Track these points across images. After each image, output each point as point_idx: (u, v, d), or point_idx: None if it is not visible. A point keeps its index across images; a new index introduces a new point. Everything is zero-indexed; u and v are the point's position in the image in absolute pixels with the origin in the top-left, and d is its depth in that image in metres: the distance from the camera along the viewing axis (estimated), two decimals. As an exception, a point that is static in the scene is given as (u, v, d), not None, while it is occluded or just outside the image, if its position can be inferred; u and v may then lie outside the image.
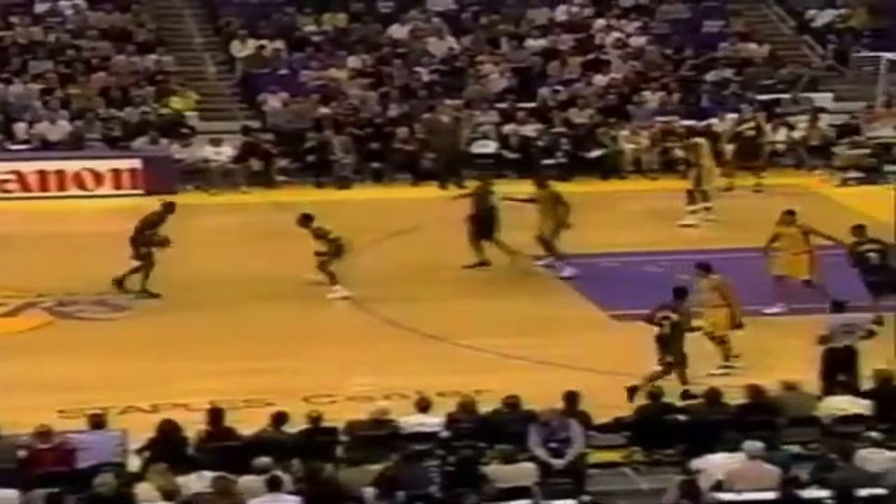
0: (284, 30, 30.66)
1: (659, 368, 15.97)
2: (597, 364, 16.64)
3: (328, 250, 19.71)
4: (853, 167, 26.75)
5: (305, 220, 20.06)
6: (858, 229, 18.99)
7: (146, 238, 19.95)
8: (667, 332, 16.13)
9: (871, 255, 18.55)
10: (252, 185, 26.50)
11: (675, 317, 16.16)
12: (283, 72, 29.58)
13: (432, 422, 14.14)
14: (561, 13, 31.72)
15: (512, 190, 21.96)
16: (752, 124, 26.79)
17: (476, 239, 20.74)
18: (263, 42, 29.95)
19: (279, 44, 30.07)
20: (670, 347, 16.08)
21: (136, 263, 19.87)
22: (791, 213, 19.38)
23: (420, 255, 20.98)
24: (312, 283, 19.60)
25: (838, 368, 15.35)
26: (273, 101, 28.52)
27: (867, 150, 27.26)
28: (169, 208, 20.30)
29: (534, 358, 17.14)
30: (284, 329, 18.50)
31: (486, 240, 20.70)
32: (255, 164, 26.74)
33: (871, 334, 15.90)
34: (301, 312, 19.14)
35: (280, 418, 13.91)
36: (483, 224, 20.75)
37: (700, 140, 24.33)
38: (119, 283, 19.89)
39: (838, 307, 16.19)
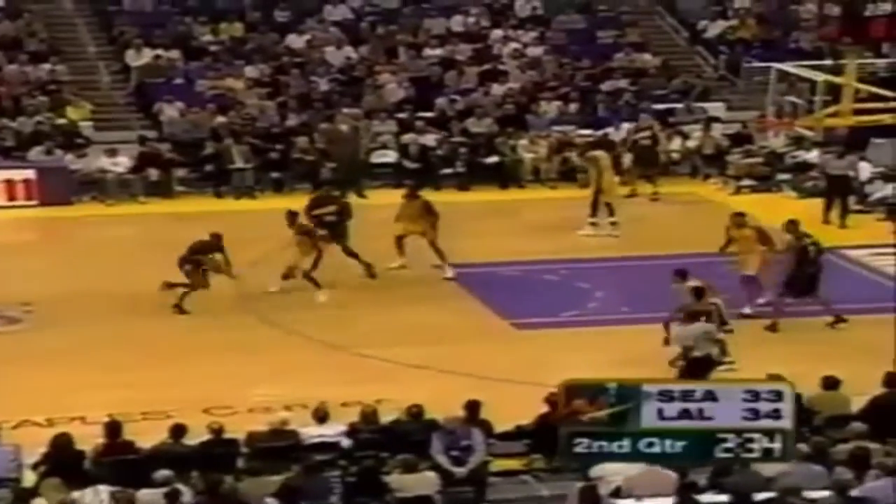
0: (180, 39, 30.38)
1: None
2: (498, 372, 16.64)
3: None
4: (746, 175, 27.13)
5: (292, 216, 20.16)
6: (793, 224, 19.09)
7: (196, 259, 19.49)
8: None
9: (811, 248, 18.74)
10: (150, 195, 26.20)
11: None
12: (179, 81, 29.32)
13: (332, 432, 14.05)
14: (457, 23, 31.80)
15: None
16: (647, 133, 27.02)
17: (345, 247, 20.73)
18: (159, 51, 29.65)
19: (175, 53, 29.80)
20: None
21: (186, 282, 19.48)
22: (741, 215, 19.59)
23: (321, 263, 20.82)
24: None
25: (701, 376, 15.60)
26: (169, 111, 28.23)
27: (760, 159, 27.65)
28: (217, 238, 19.67)
29: (435, 367, 17.09)
30: (184, 340, 18.28)
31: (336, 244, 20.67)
32: (153, 174, 26.44)
33: (721, 345, 16.14)
34: (200, 322, 18.93)
35: (179, 430, 13.74)
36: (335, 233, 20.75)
37: (598, 153, 24.24)
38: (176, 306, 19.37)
39: (692, 317, 16.36)
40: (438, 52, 30.76)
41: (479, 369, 16.77)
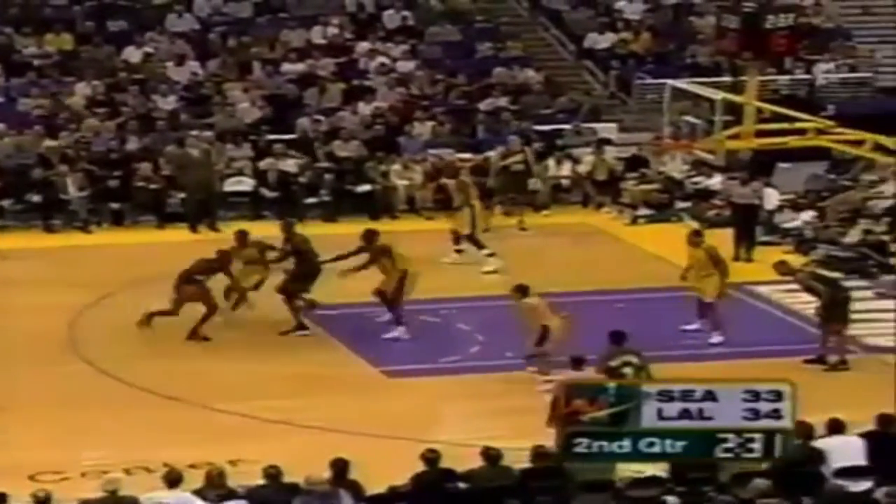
0: (0, 52, 29.82)
1: None
2: (368, 427, 16.58)
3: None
4: (643, 203, 27.35)
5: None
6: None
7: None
8: None
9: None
10: (-35, 230, 25.73)
11: (636, 361, 16.48)
12: (0, 100, 28.77)
13: (175, 499, 13.73)
14: (318, 35, 31.69)
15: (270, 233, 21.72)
16: (519, 157, 26.94)
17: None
18: (-26, 66, 29.18)
19: (-7, 68, 29.34)
20: None
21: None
22: (698, 233, 20.24)
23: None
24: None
25: None
26: (-12, 134, 27.74)
27: (657, 185, 27.91)
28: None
29: (297, 422, 16.98)
30: (4, 394, 17.82)
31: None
32: (-32, 206, 25.99)
33: None
34: (24, 373, 18.59)
35: None
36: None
37: (469, 179, 24.18)
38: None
39: (577, 364, 16.36)
40: (298, 66, 30.63)
41: (347, 424, 16.68)
